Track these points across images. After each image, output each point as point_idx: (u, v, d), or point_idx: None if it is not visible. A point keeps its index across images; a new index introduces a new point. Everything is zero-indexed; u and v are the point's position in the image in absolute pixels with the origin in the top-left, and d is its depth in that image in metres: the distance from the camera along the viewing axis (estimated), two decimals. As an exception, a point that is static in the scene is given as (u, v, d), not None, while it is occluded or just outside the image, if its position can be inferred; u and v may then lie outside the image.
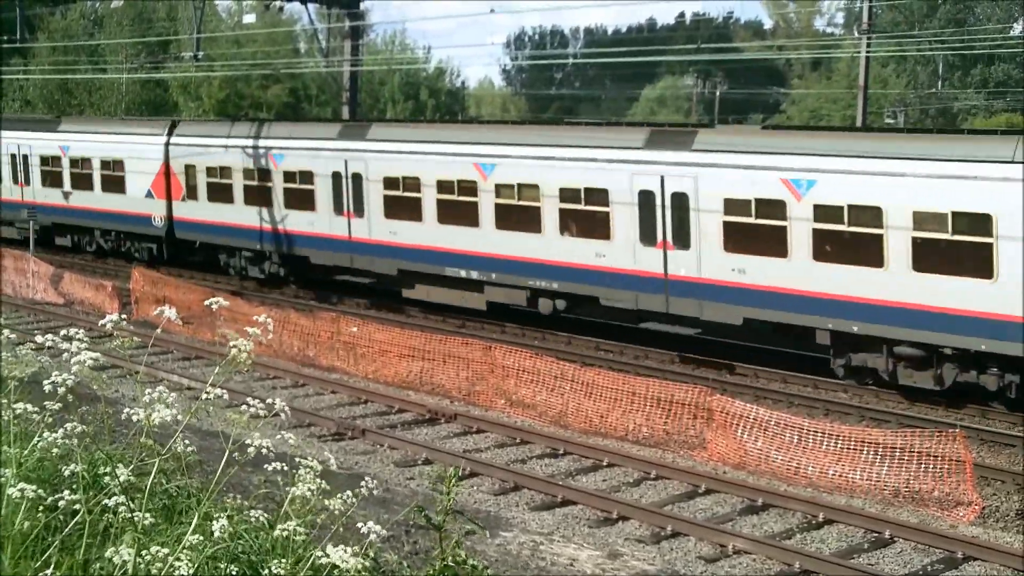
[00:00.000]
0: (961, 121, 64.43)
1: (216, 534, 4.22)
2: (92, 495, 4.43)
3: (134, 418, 4.57)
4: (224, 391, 4.87)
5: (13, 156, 39.82)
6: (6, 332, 5.93)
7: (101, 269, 36.19)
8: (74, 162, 37.52)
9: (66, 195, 37.74)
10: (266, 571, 4.28)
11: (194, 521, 4.40)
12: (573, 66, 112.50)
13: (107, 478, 4.50)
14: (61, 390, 4.67)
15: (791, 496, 15.62)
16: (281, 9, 46.81)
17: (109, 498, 4.31)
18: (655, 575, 13.21)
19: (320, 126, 32.44)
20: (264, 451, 4.63)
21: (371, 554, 4.31)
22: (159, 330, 5.35)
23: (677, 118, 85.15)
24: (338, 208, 28.98)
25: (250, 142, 31.34)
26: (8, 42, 49.52)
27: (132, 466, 4.62)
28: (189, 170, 33.37)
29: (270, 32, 59.46)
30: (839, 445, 16.25)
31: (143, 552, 4.11)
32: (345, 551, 4.15)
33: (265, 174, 30.83)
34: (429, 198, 26.78)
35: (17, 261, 33.20)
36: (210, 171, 32.73)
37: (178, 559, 4.05)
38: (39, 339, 5.28)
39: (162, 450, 4.76)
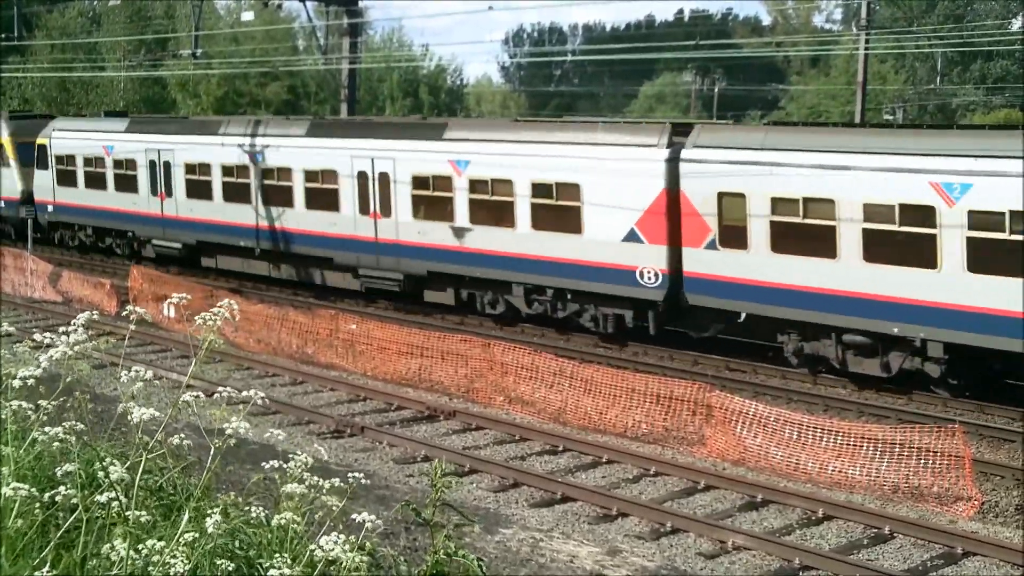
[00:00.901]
0: (960, 117, 64.46)
1: (210, 530, 4.21)
2: (88, 493, 4.42)
3: (129, 416, 4.57)
4: (198, 384, 4.87)
5: (362, 175, 27.69)
6: (6, 327, 5.93)
7: (100, 267, 36.18)
8: (475, 185, 25.49)
9: (459, 234, 25.73)
10: (264, 565, 4.27)
11: (185, 516, 4.39)
12: (572, 63, 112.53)
13: (101, 474, 4.49)
14: (25, 382, 4.68)
15: (790, 492, 15.61)
16: (279, 6, 46.70)
17: (103, 494, 4.30)
18: (655, 571, 13.20)
19: None
20: (242, 433, 4.61)
21: (368, 545, 4.31)
22: (132, 326, 5.37)
23: (676, 114, 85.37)
24: None
25: (896, 163, 19.41)
26: (6, 40, 49.55)
27: (128, 463, 4.61)
28: (728, 201, 21.44)
29: (268, 29, 59.47)
30: (838, 441, 16.26)
31: (140, 548, 4.10)
32: (342, 541, 4.14)
33: (922, 215, 19.11)
34: None
35: (16, 259, 33.20)
36: (781, 205, 20.73)
37: (173, 555, 4.05)
38: (36, 336, 5.26)
39: (159, 446, 4.75)
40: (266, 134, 30.41)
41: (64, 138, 37.19)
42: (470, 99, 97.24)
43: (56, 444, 4.74)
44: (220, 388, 5.07)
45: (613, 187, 22.94)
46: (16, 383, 4.74)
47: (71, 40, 65.45)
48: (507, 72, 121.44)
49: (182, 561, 4.04)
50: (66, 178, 37.13)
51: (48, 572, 4.12)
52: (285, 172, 29.67)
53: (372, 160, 27.31)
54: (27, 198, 38.78)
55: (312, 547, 4.20)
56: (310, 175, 28.95)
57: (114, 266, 35.70)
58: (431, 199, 26.34)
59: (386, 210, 27.18)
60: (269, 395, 18.86)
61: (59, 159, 37.28)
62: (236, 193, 31.02)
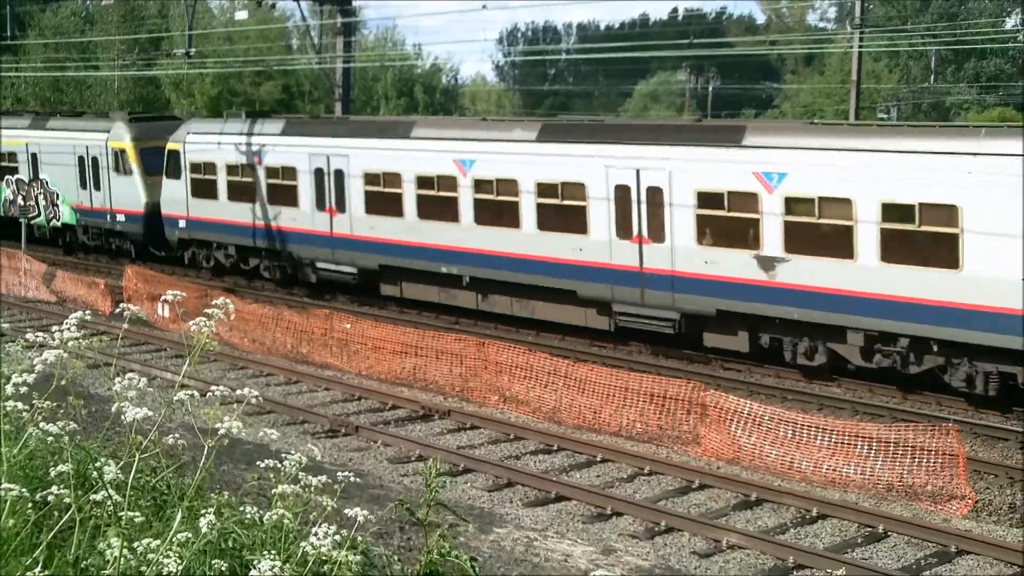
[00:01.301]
0: (954, 116, 64.56)
1: (204, 529, 4.20)
2: (81, 493, 4.41)
3: (123, 416, 4.56)
4: (192, 383, 4.87)
5: (622, 189, 22.64)
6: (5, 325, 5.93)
7: (94, 267, 36.11)
8: (792, 204, 20.41)
9: (768, 264, 20.65)
10: (256, 564, 4.26)
11: (178, 515, 4.39)
12: (566, 62, 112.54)
13: (94, 474, 4.49)
14: (18, 389, 4.67)
15: (785, 491, 15.63)
16: (273, 6, 46.68)
17: (96, 494, 4.30)
18: (649, 571, 13.21)
19: None
20: (236, 433, 4.61)
21: (359, 543, 4.30)
22: (125, 325, 5.37)
23: (670, 113, 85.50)
24: None
25: None
26: (-1, 39, 49.42)
27: (122, 463, 4.60)
28: None
29: (262, 29, 59.42)
30: (833, 440, 16.28)
31: (135, 546, 4.10)
32: (333, 536, 4.13)
33: None
34: None
35: (10, 259, 33.13)
36: None
37: (166, 555, 4.04)
38: (30, 336, 5.25)
39: (152, 446, 4.74)
40: (477, 139, 25.48)
41: (201, 142, 32.15)
42: (464, 98, 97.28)
43: (49, 439, 4.73)
44: (214, 387, 5.07)
45: (1010, 210, 17.86)
46: (10, 389, 4.73)
47: (64, 39, 65.33)
48: (501, 71, 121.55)
49: (175, 561, 4.03)
50: (203, 188, 32.09)
51: (40, 572, 4.11)
52: (507, 185, 24.63)
53: (637, 172, 22.36)
54: (152, 211, 34.02)
55: (304, 544, 4.19)
56: (544, 189, 23.91)
57: (108, 266, 35.62)
58: (725, 220, 21.35)
59: (657, 233, 22.26)
60: (264, 395, 18.85)
61: (194, 167, 32.32)
62: (437, 208, 26.04)
